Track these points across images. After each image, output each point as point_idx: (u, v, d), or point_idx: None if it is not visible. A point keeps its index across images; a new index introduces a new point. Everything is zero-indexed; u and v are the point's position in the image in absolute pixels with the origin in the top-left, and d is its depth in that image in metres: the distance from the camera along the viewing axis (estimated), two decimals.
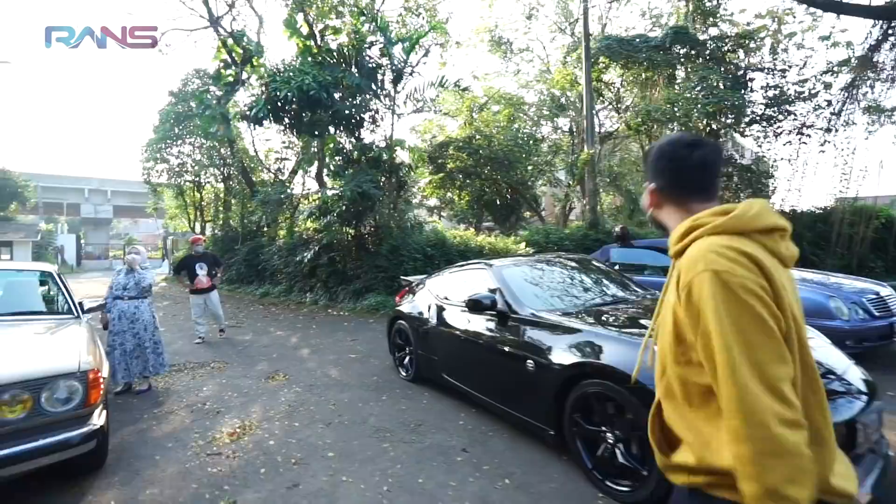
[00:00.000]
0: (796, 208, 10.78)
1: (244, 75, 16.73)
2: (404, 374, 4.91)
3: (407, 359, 4.91)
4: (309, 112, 9.47)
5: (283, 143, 18.81)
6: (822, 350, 2.58)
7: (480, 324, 3.65)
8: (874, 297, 4.64)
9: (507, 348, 3.28)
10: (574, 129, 20.09)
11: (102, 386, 2.64)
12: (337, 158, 10.38)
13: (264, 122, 9.78)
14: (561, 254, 4.91)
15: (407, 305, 5.04)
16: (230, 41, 16.76)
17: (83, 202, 39.84)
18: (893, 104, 10.60)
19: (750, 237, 0.94)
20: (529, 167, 19.25)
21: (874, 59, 10.01)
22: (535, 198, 19.71)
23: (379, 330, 7.82)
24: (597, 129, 20.61)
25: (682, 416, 1.00)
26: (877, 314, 4.49)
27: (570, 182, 18.51)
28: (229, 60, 17.32)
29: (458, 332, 3.90)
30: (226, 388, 4.79)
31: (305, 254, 11.41)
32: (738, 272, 0.88)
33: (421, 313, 4.62)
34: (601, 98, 16.04)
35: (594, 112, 17.74)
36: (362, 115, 10.20)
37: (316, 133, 10.15)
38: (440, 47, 14.44)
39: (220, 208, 20.81)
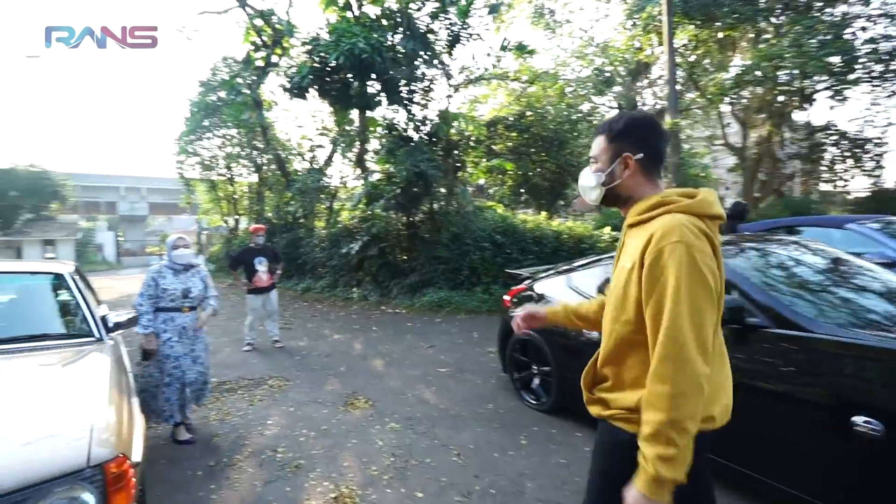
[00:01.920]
0: None
1: (274, 58, 15.75)
2: (534, 401, 3.64)
3: (536, 381, 3.64)
4: (358, 81, 8.25)
5: (318, 129, 17.89)
6: None
7: None
8: None
9: (777, 387, 1.96)
10: (622, 106, 18.37)
11: (134, 479, 1.46)
12: (386, 136, 9.13)
13: (308, 93, 8.60)
14: (782, 237, 3.50)
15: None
16: (259, 21, 15.79)
17: (119, 200, 40.23)
18: None
19: (703, 220, 1.09)
20: (579, 146, 17.75)
21: None
22: None
23: (455, 333, 6.59)
24: (651, 104, 18.82)
25: (614, 363, 1.18)
26: None
27: None
28: (259, 42, 16.30)
29: None
30: (296, 420, 3.63)
31: (352, 245, 10.29)
32: (705, 250, 1.04)
33: None
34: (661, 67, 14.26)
35: (652, 83, 15.96)
36: (416, 85, 8.90)
37: (363, 106, 8.92)
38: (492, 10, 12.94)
39: (254, 200, 20.04)
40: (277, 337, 6.12)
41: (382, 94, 8.62)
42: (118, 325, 2.55)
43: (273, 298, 6.03)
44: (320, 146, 18.07)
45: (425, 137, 8.82)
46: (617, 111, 18.69)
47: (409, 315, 8.29)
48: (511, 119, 13.88)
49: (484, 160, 10.40)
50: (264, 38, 15.73)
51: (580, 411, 3.19)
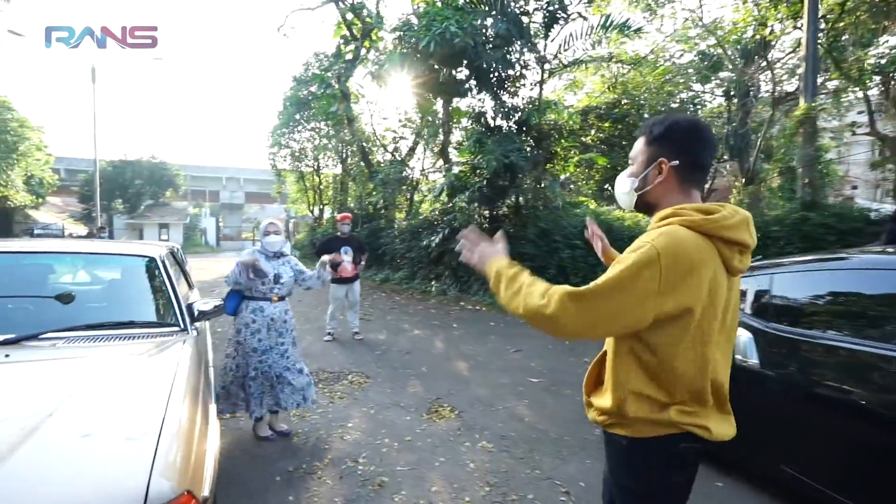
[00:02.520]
0: None
1: (363, 51, 16.02)
2: None
3: None
4: (449, 67, 7.89)
5: (402, 121, 18.02)
6: None
7: None
8: None
9: None
10: (732, 92, 16.28)
11: None
12: (473, 125, 8.69)
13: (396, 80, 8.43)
14: None
15: None
16: (350, 15, 16.15)
17: (221, 189, 44.27)
18: None
19: (712, 240, 1.03)
20: None
21: None
22: None
23: (543, 337, 6.00)
24: (767, 89, 16.51)
25: (604, 365, 1.18)
26: None
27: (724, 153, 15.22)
28: (349, 36, 16.70)
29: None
30: (378, 426, 3.33)
31: (432, 238, 10.03)
32: (669, 259, 0.98)
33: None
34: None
35: (766, 64, 13.95)
36: (507, 70, 8.36)
37: (452, 94, 8.56)
38: None
39: (338, 190, 20.76)
40: (357, 328, 5.98)
41: (472, 80, 8.19)
42: (203, 314, 2.36)
43: (356, 289, 5.88)
44: (403, 138, 18.24)
45: (514, 127, 8.25)
46: (724, 99, 16.63)
47: (491, 313, 7.83)
48: (603, 108, 12.83)
49: (573, 153, 9.60)
50: (354, 32, 16.08)
51: (718, 450, 2.53)
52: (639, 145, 1.17)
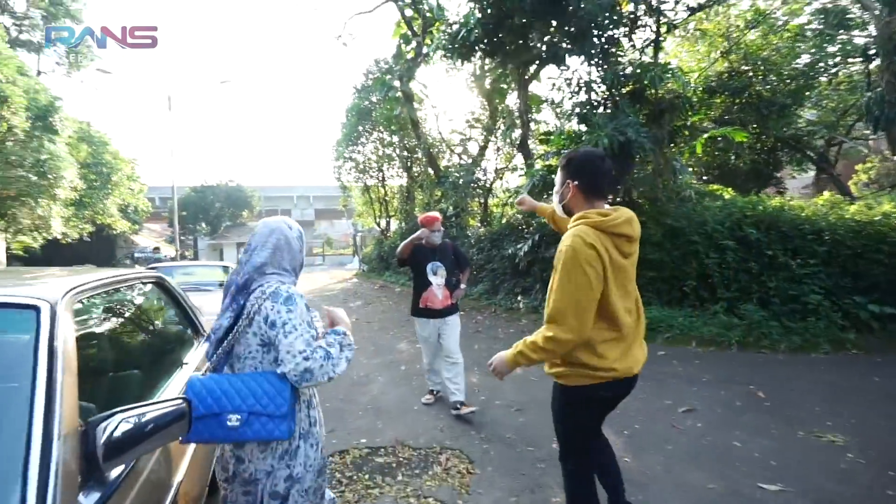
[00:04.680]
0: None
1: (424, 49, 14.90)
2: None
3: None
4: (537, 31, 6.26)
5: (469, 121, 16.66)
6: None
7: None
8: None
9: None
10: (872, 51, 13.00)
11: None
12: (570, 99, 6.94)
13: (475, 52, 6.95)
14: None
15: None
16: (409, 11, 15.17)
17: (292, 207, 45.74)
18: None
19: (607, 233, 1.57)
20: (813, 110, 13.24)
21: None
22: (822, 155, 13.42)
23: (708, 380, 4.03)
24: None
25: None
26: None
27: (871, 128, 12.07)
28: (409, 34, 15.74)
29: None
30: None
31: (518, 246, 8.36)
32: (583, 251, 1.51)
33: None
34: None
35: None
36: (614, 31, 6.56)
37: (546, 61, 6.88)
38: None
39: (404, 199, 19.79)
40: (460, 396, 3.55)
41: (568, 43, 6.48)
42: (113, 451, 0.93)
43: (452, 328, 3.62)
44: (471, 139, 16.83)
45: (628, 98, 6.42)
46: (862, 62, 13.37)
47: None
48: (714, 78, 10.48)
49: (700, 127, 7.51)
50: (414, 28, 15.05)
51: None
52: (559, 171, 1.76)
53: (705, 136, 6.84)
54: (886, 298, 5.23)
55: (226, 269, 7.20)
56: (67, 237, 17.35)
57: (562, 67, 7.10)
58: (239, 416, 1.29)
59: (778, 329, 5.20)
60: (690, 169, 11.80)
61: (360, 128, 20.61)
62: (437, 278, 3.64)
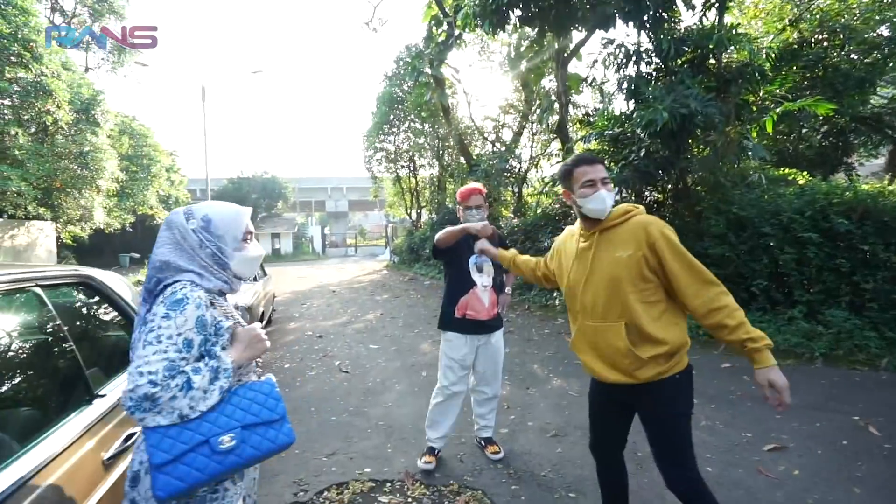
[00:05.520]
0: None
1: (455, 31, 14.18)
2: None
3: None
4: None
5: (502, 107, 15.88)
6: None
7: None
8: None
9: None
10: None
11: None
12: (619, 71, 6.10)
13: (509, 18, 6.23)
14: None
15: None
16: None
17: (326, 199, 46.13)
18: None
19: None
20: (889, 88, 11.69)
21: None
22: None
23: (801, 408, 3.24)
24: None
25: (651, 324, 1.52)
26: None
27: None
28: (440, 15, 15.07)
29: None
30: None
31: (555, 237, 7.60)
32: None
33: None
34: None
35: None
36: None
37: (592, 26, 6.08)
38: None
39: (436, 189, 19.26)
40: (489, 434, 2.85)
41: (616, 8, 5.66)
42: None
43: (497, 349, 2.72)
44: (504, 125, 16.03)
45: (686, 68, 5.55)
46: None
47: None
48: (781, 49, 9.23)
49: (772, 102, 6.47)
50: (445, 9, 14.37)
51: None
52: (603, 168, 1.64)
53: (778, 110, 5.86)
54: None
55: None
56: (110, 227, 17.89)
57: (605, 39, 6.26)
58: (232, 434, 1.02)
59: (877, 340, 4.28)
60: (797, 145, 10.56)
61: (391, 117, 20.20)
62: (482, 277, 2.63)
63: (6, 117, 12.20)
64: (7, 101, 12.25)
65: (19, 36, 10.66)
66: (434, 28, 15.27)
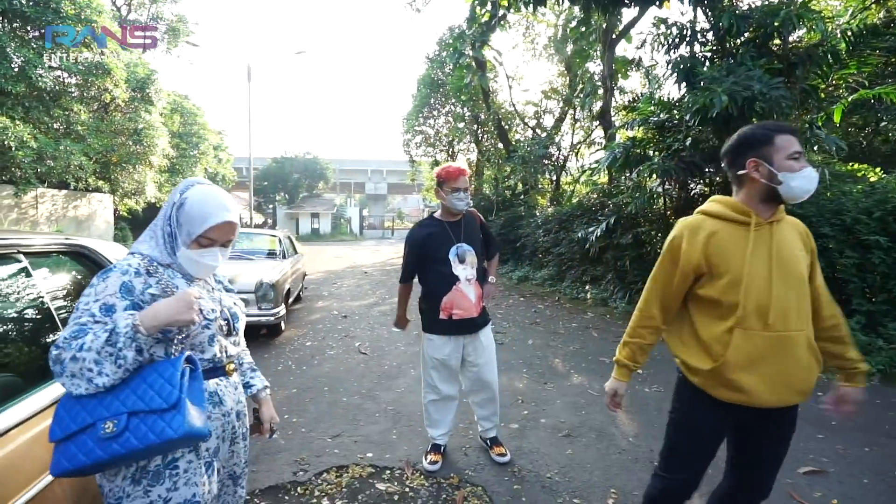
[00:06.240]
0: None
1: (500, 11, 13.74)
2: None
3: None
4: None
5: (545, 92, 15.36)
6: None
7: None
8: None
9: None
10: None
11: None
12: (669, 50, 5.66)
13: None
14: None
15: None
16: None
17: (366, 181, 46.73)
18: None
19: None
20: None
21: None
22: None
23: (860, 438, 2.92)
24: None
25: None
26: None
27: None
28: None
29: None
30: None
31: (591, 229, 7.29)
32: None
33: None
34: None
35: None
36: None
37: (627, 3, 5.67)
38: None
39: (473, 175, 19.01)
40: (495, 433, 2.68)
41: None
42: None
43: (488, 346, 2.53)
44: (547, 111, 15.52)
45: (749, 49, 5.06)
46: None
47: None
48: (861, 26, 8.29)
49: (844, 89, 5.82)
50: None
51: None
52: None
53: (852, 97, 5.27)
54: None
55: (275, 237, 6.99)
56: (161, 201, 18.89)
57: (657, 18, 5.81)
58: (115, 421, 0.93)
59: None
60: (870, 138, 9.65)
61: (432, 100, 20.01)
62: (465, 269, 2.39)
63: (72, 94, 13.01)
64: (73, 80, 13.03)
65: (82, 17, 11.22)
66: (478, 8, 14.89)
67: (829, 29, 5.65)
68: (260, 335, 5.28)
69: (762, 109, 4.48)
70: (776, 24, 5.02)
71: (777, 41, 5.36)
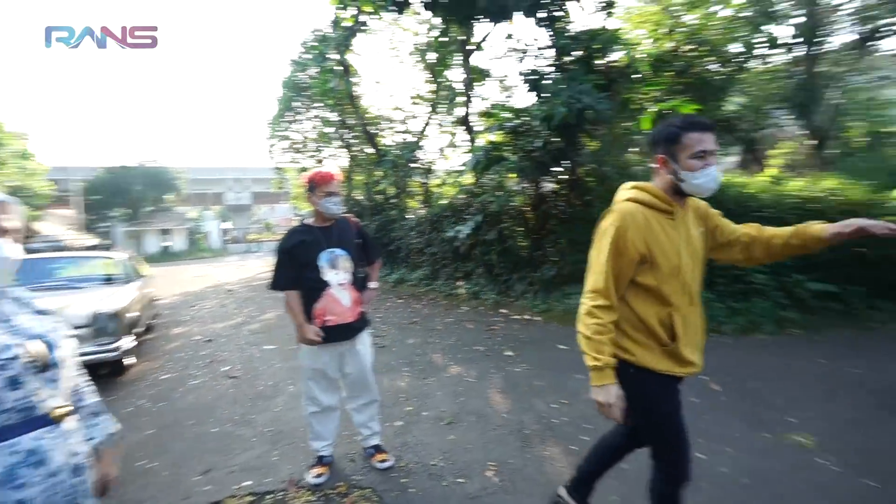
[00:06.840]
0: None
1: (363, 17, 13.75)
2: None
3: None
4: None
5: (412, 97, 15.74)
6: None
7: None
8: None
9: None
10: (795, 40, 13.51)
11: None
12: (522, 62, 6.30)
13: (411, 2, 6.11)
14: None
15: None
16: None
17: (226, 191, 42.50)
18: None
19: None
20: (743, 95, 13.62)
21: None
22: (750, 140, 13.86)
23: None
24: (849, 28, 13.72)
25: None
26: None
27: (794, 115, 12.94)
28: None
29: None
30: None
31: (459, 228, 7.73)
32: None
33: None
34: None
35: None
36: None
37: (494, 15, 6.17)
38: None
39: (344, 179, 18.60)
40: (377, 440, 2.66)
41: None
42: None
43: (365, 352, 2.52)
44: (413, 116, 15.95)
45: (578, 65, 5.89)
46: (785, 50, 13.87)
47: (550, 325, 5.55)
48: (660, 55, 10.30)
49: (649, 101, 7.16)
50: None
51: None
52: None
53: (653, 109, 6.48)
54: (826, 276, 5.13)
55: (110, 258, 5.96)
56: None
57: (506, 29, 6.42)
58: None
59: (723, 311, 4.95)
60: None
61: (298, 103, 19.07)
62: (337, 274, 2.36)
63: None
64: None
65: None
66: (340, 12, 14.66)
67: (634, 53, 6.90)
68: (101, 375, 4.48)
69: (591, 118, 5.27)
70: (597, 46, 5.96)
71: (600, 60, 6.34)
